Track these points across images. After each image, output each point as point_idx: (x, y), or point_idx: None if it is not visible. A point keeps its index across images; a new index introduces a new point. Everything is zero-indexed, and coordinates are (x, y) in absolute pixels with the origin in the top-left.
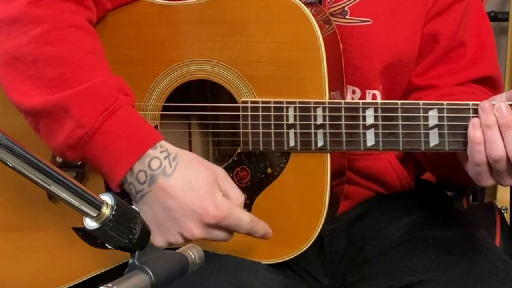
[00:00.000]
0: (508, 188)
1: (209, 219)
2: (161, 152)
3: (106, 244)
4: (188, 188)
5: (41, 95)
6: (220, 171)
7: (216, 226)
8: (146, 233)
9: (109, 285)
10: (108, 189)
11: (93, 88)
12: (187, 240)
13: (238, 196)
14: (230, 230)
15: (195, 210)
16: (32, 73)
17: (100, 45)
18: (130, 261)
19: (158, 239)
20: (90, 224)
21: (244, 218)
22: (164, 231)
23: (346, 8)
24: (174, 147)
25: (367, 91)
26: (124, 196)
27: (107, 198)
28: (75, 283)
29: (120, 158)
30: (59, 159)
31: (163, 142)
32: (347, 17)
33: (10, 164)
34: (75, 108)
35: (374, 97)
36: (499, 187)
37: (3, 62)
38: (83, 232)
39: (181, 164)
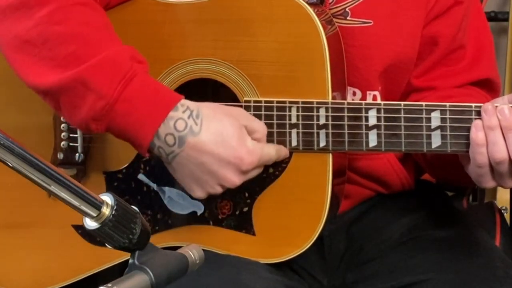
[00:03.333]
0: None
1: (246, 166)
2: (183, 112)
3: (106, 244)
4: (219, 142)
5: (57, 73)
6: (240, 112)
7: (252, 169)
8: (146, 233)
9: (109, 285)
10: (108, 188)
11: (107, 59)
12: (225, 189)
13: (262, 128)
14: (262, 166)
15: (231, 161)
16: (45, 54)
17: (107, 19)
18: (130, 261)
19: (197, 192)
20: (90, 224)
21: (272, 152)
22: (202, 184)
23: (347, 9)
24: (194, 102)
25: (368, 92)
26: (124, 194)
27: (107, 198)
28: (75, 280)
29: (144, 123)
30: (59, 156)
31: (183, 101)
32: (348, 18)
33: (10, 164)
34: (92, 80)
35: (374, 98)
36: (499, 187)
37: (14, 47)
38: (83, 230)
39: (206, 119)
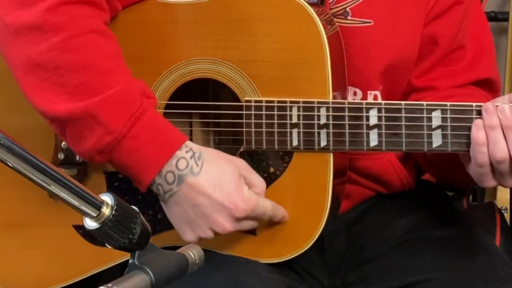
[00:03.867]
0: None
1: (239, 213)
2: (187, 152)
3: (106, 244)
4: (216, 185)
5: (66, 102)
6: (242, 163)
7: (245, 218)
8: (146, 233)
9: (109, 285)
10: (109, 188)
11: (118, 94)
12: (217, 235)
13: (261, 183)
14: (256, 218)
15: (225, 206)
16: (55, 80)
17: (118, 48)
18: (130, 261)
19: (188, 235)
20: (90, 224)
21: (268, 206)
22: (194, 228)
23: (347, 9)
24: (197, 145)
25: (368, 92)
26: (125, 194)
27: (107, 198)
28: (76, 280)
29: (149, 161)
30: (60, 156)
31: (187, 142)
32: (348, 18)
33: (10, 164)
34: (103, 114)
35: (375, 98)
36: (499, 187)
37: (24, 69)
38: (83, 230)
39: (207, 162)
